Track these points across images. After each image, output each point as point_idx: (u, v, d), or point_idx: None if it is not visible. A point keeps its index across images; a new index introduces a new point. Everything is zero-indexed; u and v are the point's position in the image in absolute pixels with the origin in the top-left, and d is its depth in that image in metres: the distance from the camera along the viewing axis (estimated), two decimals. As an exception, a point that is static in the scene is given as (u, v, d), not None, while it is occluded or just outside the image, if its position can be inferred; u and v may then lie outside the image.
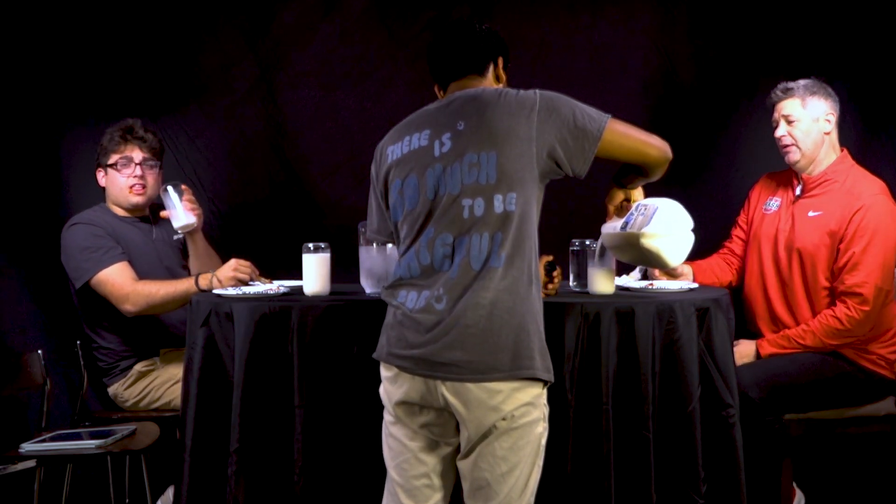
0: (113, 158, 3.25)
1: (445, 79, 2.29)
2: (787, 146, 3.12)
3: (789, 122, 3.09)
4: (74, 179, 3.81)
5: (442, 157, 2.13)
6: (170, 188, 3.12)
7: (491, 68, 2.30)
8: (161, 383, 3.19)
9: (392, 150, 2.22)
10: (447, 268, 2.10)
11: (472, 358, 2.05)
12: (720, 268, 3.31)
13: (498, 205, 2.08)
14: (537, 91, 2.16)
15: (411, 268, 2.15)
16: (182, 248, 3.35)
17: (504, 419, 2.07)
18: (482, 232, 2.08)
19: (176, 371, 3.14)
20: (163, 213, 3.19)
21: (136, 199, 3.28)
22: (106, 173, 3.28)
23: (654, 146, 2.25)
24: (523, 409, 2.08)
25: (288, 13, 3.90)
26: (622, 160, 2.30)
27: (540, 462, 2.15)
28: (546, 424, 2.15)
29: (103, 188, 3.33)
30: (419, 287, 2.13)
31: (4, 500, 3.50)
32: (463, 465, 2.15)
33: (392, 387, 2.16)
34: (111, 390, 3.23)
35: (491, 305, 2.06)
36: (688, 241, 2.42)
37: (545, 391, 2.15)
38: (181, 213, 3.13)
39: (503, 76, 2.33)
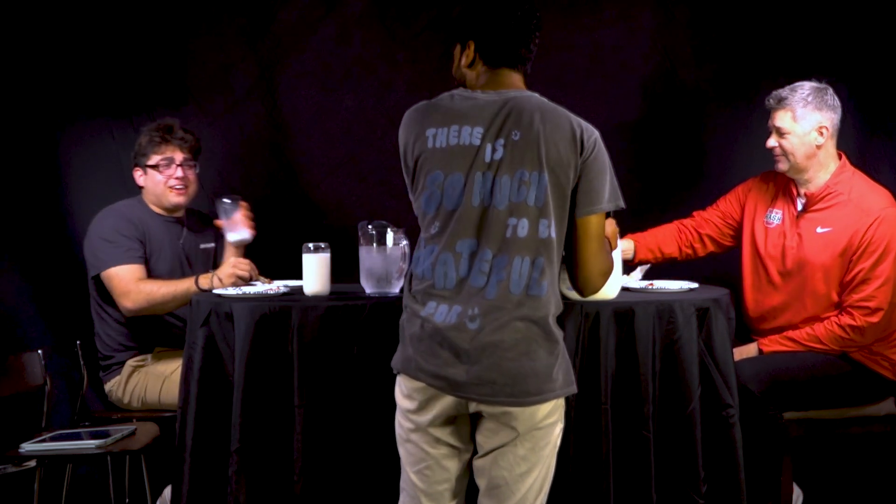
0: (154, 159, 3.24)
1: (497, 60, 2.13)
2: (776, 156, 3.07)
3: (780, 135, 3.03)
4: (73, 178, 3.82)
5: (493, 164, 2.03)
6: (227, 201, 3.12)
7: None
8: (150, 380, 3.19)
9: (434, 133, 2.06)
10: (482, 284, 2.02)
11: (507, 381, 2.00)
12: (665, 239, 3.25)
13: (543, 229, 2.03)
14: (596, 137, 2.08)
15: (447, 278, 2.04)
16: (213, 257, 3.38)
17: None
18: (524, 255, 2.02)
19: (164, 368, 3.17)
20: (217, 223, 3.18)
21: (178, 199, 3.28)
22: (145, 173, 3.27)
23: (599, 268, 2.14)
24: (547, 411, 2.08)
25: (288, 13, 3.90)
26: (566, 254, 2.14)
27: (554, 462, 2.14)
28: (563, 424, 2.13)
29: (140, 187, 3.31)
30: (450, 301, 2.03)
31: (4, 500, 3.50)
32: (481, 464, 2.12)
33: (418, 401, 2.07)
34: (107, 387, 3.24)
35: (526, 330, 2.01)
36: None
37: None
38: (238, 226, 3.15)
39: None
